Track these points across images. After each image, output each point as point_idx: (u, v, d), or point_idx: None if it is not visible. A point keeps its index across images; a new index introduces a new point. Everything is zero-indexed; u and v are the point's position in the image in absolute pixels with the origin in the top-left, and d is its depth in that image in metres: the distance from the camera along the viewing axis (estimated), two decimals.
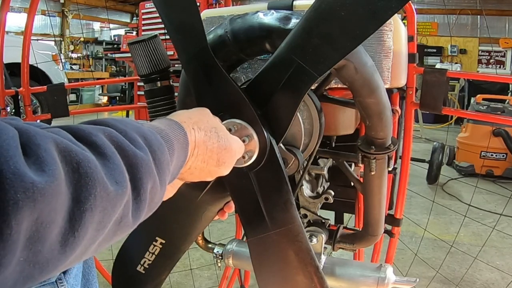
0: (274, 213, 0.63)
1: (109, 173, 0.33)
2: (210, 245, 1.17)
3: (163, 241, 0.79)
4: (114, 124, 0.38)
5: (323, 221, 0.93)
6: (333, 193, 0.90)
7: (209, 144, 0.51)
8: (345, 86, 0.68)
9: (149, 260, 0.80)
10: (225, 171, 0.55)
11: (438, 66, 7.11)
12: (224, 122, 0.60)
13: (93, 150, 0.33)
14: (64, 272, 0.60)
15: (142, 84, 1.08)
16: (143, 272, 0.80)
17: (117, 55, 5.09)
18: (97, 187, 0.31)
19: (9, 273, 0.27)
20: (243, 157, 0.60)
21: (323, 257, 0.92)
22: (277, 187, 0.63)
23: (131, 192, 0.36)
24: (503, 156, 3.71)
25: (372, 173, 0.84)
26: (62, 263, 0.31)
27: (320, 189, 0.94)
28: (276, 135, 0.62)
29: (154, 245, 0.79)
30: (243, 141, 0.59)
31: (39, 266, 0.29)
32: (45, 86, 1.35)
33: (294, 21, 0.67)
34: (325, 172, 0.91)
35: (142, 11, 3.79)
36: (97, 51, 9.94)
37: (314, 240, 0.92)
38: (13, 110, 1.35)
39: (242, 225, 0.66)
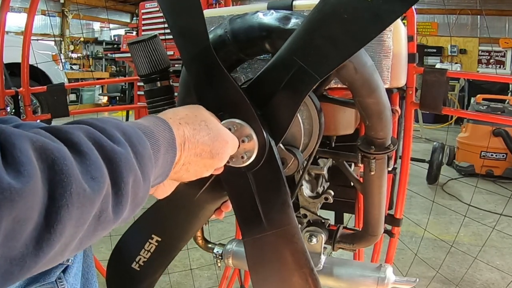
0: (271, 213, 0.63)
1: (85, 170, 0.33)
2: (210, 245, 1.17)
3: (159, 239, 0.78)
4: (92, 123, 0.39)
5: (323, 221, 0.93)
6: (333, 193, 0.90)
7: (200, 137, 0.51)
8: (345, 86, 0.68)
9: (144, 257, 0.79)
10: (220, 162, 0.55)
11: (438, 66, 7.11)
12: (224, 121, 0.60)
13: (69, 148, 0.34)
14: (64, 271, 0.60)
15: (142, 84, 1.08)
16: (138, 269, 0.80)
17: (117, 55, 5.09)
18: (72, 183, 0.32)
19: None
20: (242, 157, 0.59)
21: (323, 257, 0.92)
22: (275, 188, 0.63)
23: (111, 187, 0.36)
24: (503, 156, 3.71)
25: (372, 173, 0.84)
26: (40, 259, 0.31)
27: (320, 189, 0.94)
28: (276, 136, 0.62)
29: (150, 243, 0.78)
30: (242, 141, 0.59)
31: (15, 262, 0.30)
32: (45, 86, 1.35)
33: (294, 21, 0.67)
34: (325, 172, 0.91)
35: (142, 11, 3.79)
36: (97, 51, 9.94)
37: (314, 240, 0.91)
38: (13, 110, 1.35)
39: (239, 224, 0.66)
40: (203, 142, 0.51)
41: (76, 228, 0.33)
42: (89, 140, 0.36)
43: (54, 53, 5.52)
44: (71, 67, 8.53)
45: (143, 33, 3.65)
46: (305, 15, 0.69)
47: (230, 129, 0.59)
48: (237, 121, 0.59)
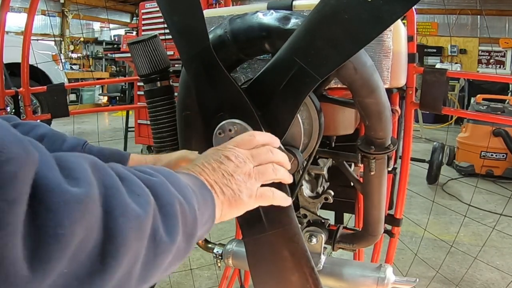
0: (271, 213, 0.63)
1: (129, 188, 0.34)
2: (210, 245, 1.17)
3: None
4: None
5: (323, 221, 0.93)
6: (332, 193, 0.90)
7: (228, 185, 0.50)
8: (344, 86, 0.68)
9: None
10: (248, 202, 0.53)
11: (438, 66, 7.11)
12: (224, 122, 0.60)
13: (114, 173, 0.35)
14: None
15: (142, 84, 1.08)
16: None
17: (117, 55, 5.09)
18: (124, 198, 0.33)
19: (51, 286, 0.27)
20: None
21: (323, 257, 0.92)
22: (275, 188, 0.63)
23: (157, 207, 0.36)
24: (503, 156, 3.71)
25: (372, 173, 0.84)
26: (107, 276, 0.31)
27: (320, 189, 0.94)
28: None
29: None
30: None
31: (81, 280, 0.29)
32: (45, 86, 1.35)
33: (293, 21, 0.67)
34: (324, 172, 0.91)
35: (142, 11, 3.78)
36: (97, 51, 9.94)
37: (314, 240, 0.91)
38: (13, 110, 1.35)
39: (239, 224, 0.66)
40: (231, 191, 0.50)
41: (138, 241, 0.33)
42: (127, 170, 0.37)
43: (54, 53, 5.53)
44: (71, 67, 8.52)
45: (143, 33, 3.64)
46: (305, 15, 0.69)
47: (230, 130, 0.59)
48: (237, 121, 0.59)
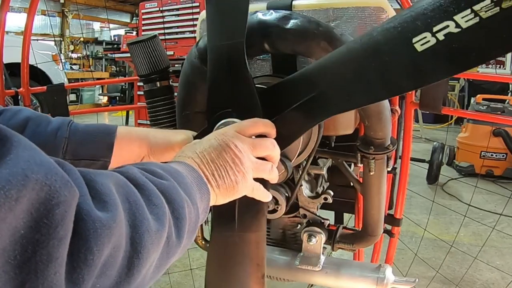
0: (245, 217, 0.64)
1: (147, 199, 0.37)
2: None
3: None
4: (134, 165, 0.43)
5: (322, 221, 0.93)
6: (332, 193, 0.90)
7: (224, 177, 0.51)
8: None
9: None
10: (245, 190, 0.54)
11: None
12: (229, 119, 0.59)
13: (131, 183, 0.38)
14: None
15: (142, 84, 1.08)
16: None
17: (117, 55, 5.10)
18: (146, 212, 0.36)
19: None
20: None
21: (322, 257, 0.92)
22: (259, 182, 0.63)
23: (170, 213, 0.39)
24: (503, 156, 3.71)
25: (371, 173, 0.84)
26: (131, 286, 0.34)
27: (319, 189, 0.94)
28: None
29: None
30: None
31: None
32: (45, 86, 1.35)
33: (293, 21, 0.67)
34: (324, 172, 0.91)
35: (142, 11, 3.78)
36: (97, 51, 9.94)
37: (313, 240, 0.91)
38: None
39: (212, 218, 0.67)
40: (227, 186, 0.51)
41: (156, 252, 0.37)
42: (142, 175, 0.40)
43: (54, 53, 5.52)
44: (71, 67, 8.52)
45: (143, 33, 3.64)
46: (305, 15, 0.69)
47: None
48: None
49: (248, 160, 0.52)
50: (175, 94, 0.89)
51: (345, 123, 0.83)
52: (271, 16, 0.68)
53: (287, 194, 0.85)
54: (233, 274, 0.68)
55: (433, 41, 0.46)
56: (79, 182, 0.31)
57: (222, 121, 0.60)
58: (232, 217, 0.64)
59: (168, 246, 0.39)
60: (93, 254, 0.29)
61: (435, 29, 0.46)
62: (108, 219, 0.31)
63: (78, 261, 0.29)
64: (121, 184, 0.36)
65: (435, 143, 3.59)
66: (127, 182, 0.37)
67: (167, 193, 0.40)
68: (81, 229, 0.29)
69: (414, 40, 0.47)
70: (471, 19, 0.44)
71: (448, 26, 0.45)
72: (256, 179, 0.55)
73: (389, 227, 1.17)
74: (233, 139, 0.52)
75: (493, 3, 0.43)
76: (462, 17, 0.44)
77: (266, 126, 0.57)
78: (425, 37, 0.46)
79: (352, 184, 0.94)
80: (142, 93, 1.20)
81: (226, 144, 0.51)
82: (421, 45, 0.47)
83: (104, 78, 8.07)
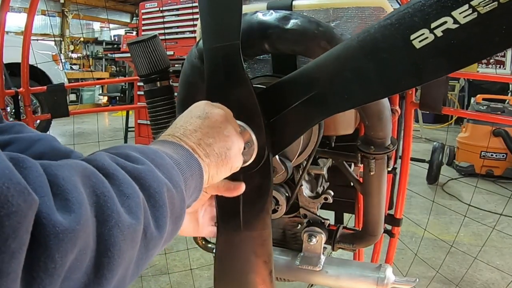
0: (249, 216, 0.64)
1: (118, 189, 0.34)
2: (210, 245, 1.17)
3: None
4: (107, 150, 0.39)
5: (323, 221, 0.93)
6: (332, 193, 0.90)
7: (213, 146, 0.49)
8: None
9: None
10: (236, 165, 0.53)
11: None
12: None
13: (100, 173, 0.34)
14: None
15: (142, 84, 1.08)
16: None
17: (117, 55, 5.10)
18: (115, 204, 0.32)
19: None
20: None
21: (323, 257, 0.92)
22: (261, 194, 0.63)
23: (146, 201, 0.36)
24: (503, 156, 3.71)
25: (372, 173, 0.84)
26: (104, 287, 0.31)
27: (319, 189, 0.94)
28: (275, 149, 0.61)
29: None
30: (243, 147, 0.58)
31: None
32: (45, 86, 1.35)
33: (293, 21, 0.67)
34: (324, 172, 0.91)
35: (142, 11, 3.79)
36: (97, 51, 9.94)
37: (314, 240, 0.91)
38: (13, 110, 1.35)
39: (217, 218, 0.66)
40: (218, 154, 0.49)
41: (132, 249, 0.33)
42: (112, 162, 0.36)
43: (54, 53, 5.52)
44: (71, 67, 8.52)
45: (143, 33, 3.65)
46: (305, 15, 0.69)
47: None
48: (242, 124, 0.58)
49: (234, 122, 0.52)
50: (175, 94, 0.89)
51: (345, 123, 0.83)
52: (271, 16, 0.68)
53: (287, 194, 0.85)
54: (241, 272, 0.69)
55: (431, 37, 0.46)
56: (39, 181, 0.28)
57: None
58: (237, 217, 0.64)
59: (146, 239, 0.35)
60: (55, 262, 0.26)
61: (433, 25, 0.45)
62: (71, 221, 0.28)
63: (38, 270, 0.26)
64: (87, 174, 0.32)
65: (435, 143, 3.59)
66: (95, 172, 0.33)
67: (142, 179, 0.36)
68: (41, 235, 0.26)
69: (412, 37, 0.47)
70: (469, 14, 0.44)
71: (446, 22, 0.45)
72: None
73: (389, 227, 1.17)
74: (215, 106, 0.52)
75: None
76: (460, 13, 0.44)
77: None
78: (423, 34, 0.46)
79: (352, 184, 0.94)
80: (142, 93, 1.20)
81: (208, 112, 0.50)
82: (419, 41, 0.46)
83: (104, 78, 8.07)
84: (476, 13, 0.43)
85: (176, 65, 1.19)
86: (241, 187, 0.59)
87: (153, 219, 0.36)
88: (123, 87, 7.76)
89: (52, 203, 0.28)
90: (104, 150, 0.40)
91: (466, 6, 0.43)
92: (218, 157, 0.49)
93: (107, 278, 0.31)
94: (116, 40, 9.54)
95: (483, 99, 4.22)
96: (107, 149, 0.40)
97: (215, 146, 0.48)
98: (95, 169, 0.34)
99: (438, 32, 0.45)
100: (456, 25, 0.44)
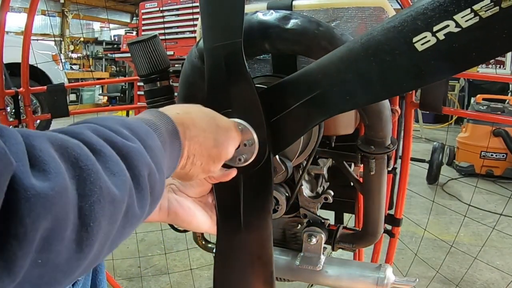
0: (250, 216, 0.64)
1: (104, 166, 0.33)
2: (210, 245, 1.17)
3: None
4: (98, 121, 0.38)
5: (323, 221, 0.93)
6: (332, 193, 0.90)
7: (200, 123, 0.50)
8: None
9: None
10: (226, 152, 0.53)
11: None
12: (230, 119, 0.59)
13: (88, 149, 0.33)
14: (73, 285, 0.59)
15: (142, 84, 1.08)
16: None
17: (117, 55, 5.10)
18: (100, 178, 0.32)
19: (26, 277, 0.27)
20: (239, 159, 0.59)
21: (323, 257, 0.92)
22: (261, 195, 0.63)
23: (131, 181, 0.35)
24: (503, 156, 3.71)
25: (372, 173, 0.84)
26: (82, 262, 0.31)
27: (319, 189, 0.94)
28: (275, 148, 0.61)
29: None
30: (244, 145, 0.58)
31: (59, 268, 0.29)
32: (45, 86, 1.35)
33: (293, 21, 0.67)
34: (324, 172, 0.91)
35: (142, 11, 3.79)
36: (97, 51, 9.95)
37: (314, 240, 0.92)
38: (13, 110, 1.35)
39: (217, 219, 0.66)
40: (204, 129, 0.50)
41: (110, 225, 0.33)
42: (99, 137, 0.35)
43: (54, 53, 5.53)
44: (71, 67, 8.53)
45: (143, 33, 3.65)
46: (305, 15, 0.69)
47: None
48: (244, 123, 0.58)
49: (228, 120, 0.54)
50: (175, 94, 0.89)
51: (345, 123, 0.83)
52: (271, 16, 0.68)
53: (287, 194, 0.85)
54: (241, 272, 0.69)
55: (433, 40, 0.46)
56: (17, 148, 0.27)
57: None
58: (237, 218, 0.64)
59: (127, 218, 0.35)
60: (25, 226, 0.26)
61: (435, 28, 0.46)
62: (45, 187, 0.27)
63: (7, 236, 0.25)
64: (69, 146, 0.31)
65: (435, 143, 3.59)
66: (79, 145, 0.33)
67: (130, 158, 0.36)
68: (12, 200, 0.26)
69: (414, 39, 0.47)
70: (471, 18, 0.44)
71: (448, 25, 0.45)
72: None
73: (389, 227, 1.17)
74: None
75: (492, 3, 0.43)
76: (462, 17, 0.44)
77: None
78: (426, 37, 0.47)
79: (352, 184, 0.94)
80: (142, 93, 1.20)
81: (205, 108, 0.53)
82: (422, 44, 0.47)
83: (104, 78, 8.07)
84: (478, 17, 0.44)
85: (176, 65, 1.19)
86: (233, 172, 0.59)
87: (137, 199, 0.36)
88: (123, 87, 7.76)
89: (27, 169, 0.27)
90: (93, 119, 0.39)
91: (468, 11, 0.44)
92: (205, 131, 0.50)
93: (85, 253, 0.31)
94: (116, 40, 9.54)
95: (483, 99, 4.22)
96: (96, 118, 0.39)
97: (204, 123, 0.50)
98: (81, 142, 0.33)
99: (440, 36, 0.46)
100: (458, 29, 0.45)
